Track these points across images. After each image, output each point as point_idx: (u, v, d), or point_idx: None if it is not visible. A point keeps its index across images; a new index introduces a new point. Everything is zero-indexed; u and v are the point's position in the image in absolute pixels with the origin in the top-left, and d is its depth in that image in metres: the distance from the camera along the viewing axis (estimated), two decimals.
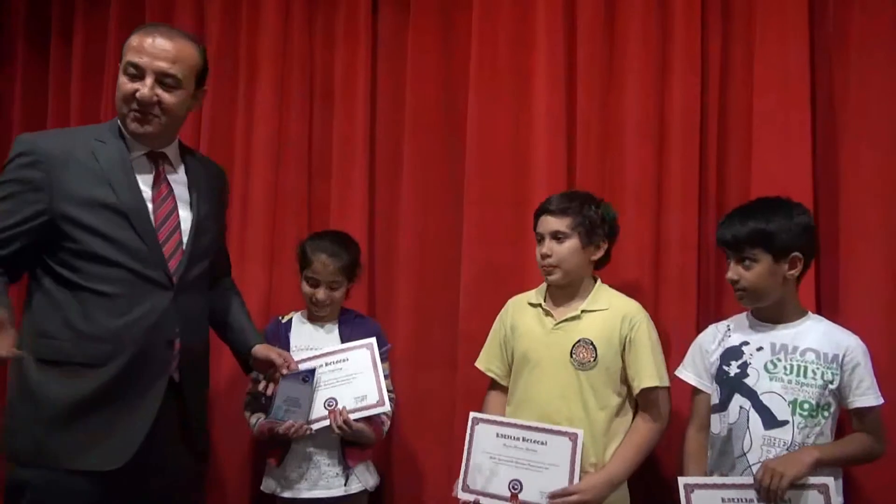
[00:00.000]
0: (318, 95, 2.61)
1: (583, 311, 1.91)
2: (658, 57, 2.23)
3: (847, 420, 1.75)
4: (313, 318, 2.20)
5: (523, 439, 1.78)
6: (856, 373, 1.68)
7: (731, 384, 1.74)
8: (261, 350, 1.88)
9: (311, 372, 1.93)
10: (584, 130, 2.29)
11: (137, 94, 1.61)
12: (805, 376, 1.68)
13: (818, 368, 1.68)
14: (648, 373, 1.85)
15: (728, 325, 1.84)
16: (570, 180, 2.30)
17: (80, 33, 2.86)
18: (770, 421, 1.68)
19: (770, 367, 1.71)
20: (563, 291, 1.95)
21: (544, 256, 1.91)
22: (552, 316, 1.93)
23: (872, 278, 2.00)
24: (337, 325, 2.19)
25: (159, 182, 1.67)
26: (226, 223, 2.01)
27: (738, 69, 2.20)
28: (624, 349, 1.88)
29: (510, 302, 2.06)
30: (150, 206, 1.64)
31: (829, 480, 1.54)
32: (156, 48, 1.62)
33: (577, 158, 2.30)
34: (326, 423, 1.96)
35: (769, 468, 1.55)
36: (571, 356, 1.87)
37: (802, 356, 1.70)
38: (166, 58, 1.62)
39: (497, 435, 1.80)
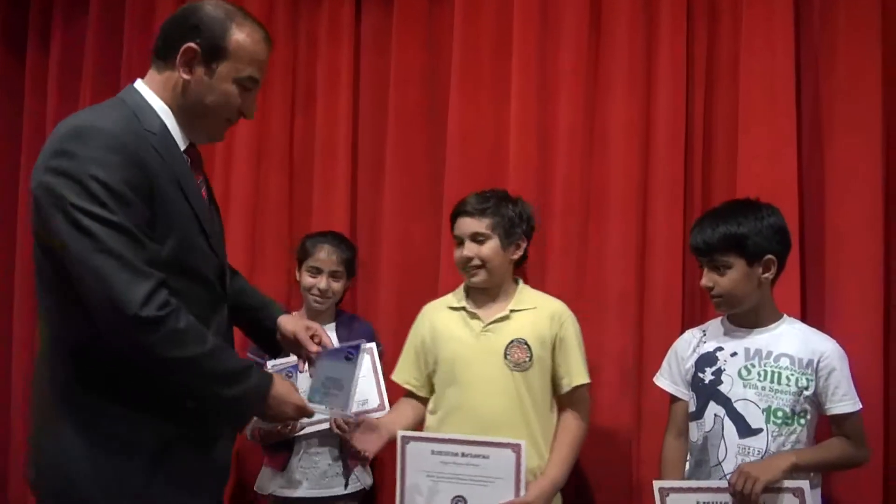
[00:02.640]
0: (300, 96, 2.58)
1: (512, 311, 1.88)
2: (643, 61, 2.22)
3: (828, 426, 1.73)
4: (310, 318, 2.17)
5: (462, 454, 1.70)
6: (832, 378, 1.65)
7: (707, 391, 1.72)
8: (287, 323, 1.58)
9: (357, 348, 1.56)
10: (569, 135, 2.27)
11: (247, 113, 1.42)
12: (779, 383, 1.66)
13: (792, 374, 1.66)
14: (579, 370, 1.86)
15: (703, 331, 1.82)
16: (553, 185, 2.28)
17: (57, 38, 2.81)
18: (744, 429, 1.65)
19: (744, 373, 1.69)
20: (487, 293, 1.92)
21: (467, 259, 1.87)
22: (479, 318, 1.90)
23: (858, 282, 1.98)
24: (334, 326, 2.19)
25: (201, 183, 1.45)
26: None
27: (723, 74, 2.19)
28: (554, 348, 1.87)
29: (426, 309, 2.01)
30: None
31: (804, 484, 1.52)
32: (267, 62, 1.43)
33: (562, 163, 2.28)
34: (326, 426, 1.98)
35: (743, 472, 1.53)
36: (506, 357, 1.84)
37: (776, 362, 1.68)
38: (266, 71, 1.45)
39: (432, 452, 1.71)
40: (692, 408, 1.75)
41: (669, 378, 1.83)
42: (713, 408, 1.69)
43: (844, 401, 1.65)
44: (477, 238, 1.86)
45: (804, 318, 1.96)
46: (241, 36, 1.37)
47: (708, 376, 1.72)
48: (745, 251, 1.65)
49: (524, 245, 1.92)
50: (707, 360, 1.74)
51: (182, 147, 1.39)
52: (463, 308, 1.91)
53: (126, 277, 1.21)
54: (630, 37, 2.22)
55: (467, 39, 2.36)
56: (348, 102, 2.49)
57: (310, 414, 1.46)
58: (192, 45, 1.35)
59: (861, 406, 1.66)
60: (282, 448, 2.06)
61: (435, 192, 2.40)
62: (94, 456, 1.28)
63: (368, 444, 1.74)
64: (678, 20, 2.19)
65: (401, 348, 2.32)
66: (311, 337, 1.55)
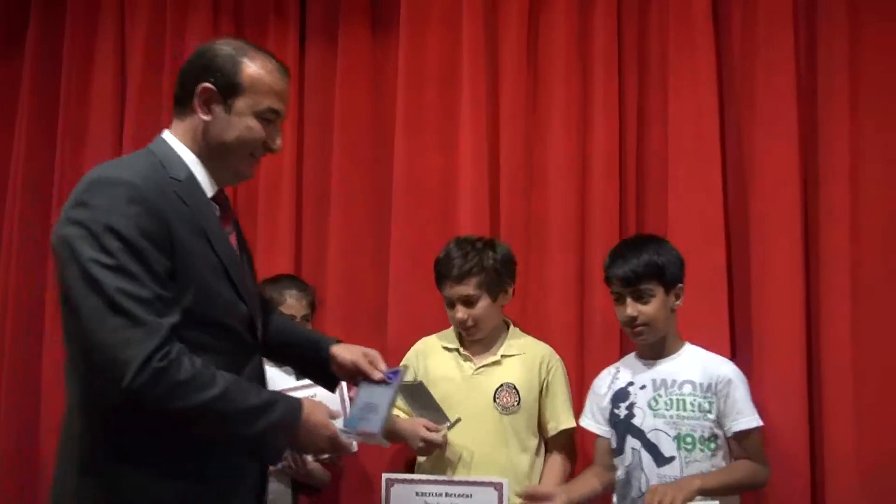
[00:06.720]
0: None
1: (503, 356, 1.95)
2: (578, 102, 2.34)
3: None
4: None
5: (446, 495, 1.73)
6: (730, 398, 1.73)
7: (623, 426, 1.79)
8: (342, 352, 1.53)
9: (395, 372, 1.52)
10: (509, 171, 2.37)
11: (274, 146, 1.40)
12: (684, 409, 1.74)
13: (695, 399, 1.74)
14: (566, 415, 1.94)
15: (617, 367, 1.90)
16: (496, 221, 2.36)
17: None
18: (659, 458, 1.73)
19: (653, 403, 1.77)
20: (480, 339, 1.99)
21: (462, 322, 1.92)
22: (472, 361, 1.96)
23: (784, 315, 2.07)
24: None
25: (230, 230, 1.44)
26: None
27: (653, 113, 2.32)
28: (541, 393, 1.94)
29: (422, 344, 2.07)
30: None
31: None
32: (288, 92, 1.43)
33: (503, 199, 2.36)
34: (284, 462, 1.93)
35: (658, 492, 1.58)
36: (495, 400, 1.90)
37: (680, 389, 1.76)
38: (288, 101, 1.44)
39: (417, 494, 1.75)
40: (613, 444, 1.82)
41: (591, 416, 1.90)
42: (630, 441, 1.77)
43: (742, 417, 1.72)
44: (468, 301, 1.90)
45: (733, 355, 2.05)
46: (253, 68, 1.36)
47: (622, 411, 1.80)
48: (664, 279, 1.75)
49: (511, 288, 1.98)
50: (621, 395, 1.82)
51: (210, 194, 1.38)
52: (457, 350, 1.97)
53: (128, 338, 1.18)
54: (566, 79, 2.34)
55: (411, 78, 2.43)
56: (292, 140, 2.51)
57: (345, 448, 1.42)
58: (206, 84, 1.35)
59: (761, 423, 1.75)
60: None
61: (382, 230, 2.44)
62: None
63: None
64: (610, 65, 2.32)
65: (349, 387, 2.31)
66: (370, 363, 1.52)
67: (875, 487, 1.92)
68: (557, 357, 1.99)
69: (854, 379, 1.97)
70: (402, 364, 1.68)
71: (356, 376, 1.52)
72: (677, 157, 2.20)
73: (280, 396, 1.35)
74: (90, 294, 1.20)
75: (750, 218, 2.17)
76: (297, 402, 1.34)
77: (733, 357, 2.06)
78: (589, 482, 1.84)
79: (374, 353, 1.53)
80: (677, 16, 2.24)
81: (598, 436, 1.87)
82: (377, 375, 1.48)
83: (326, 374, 1.57)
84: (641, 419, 1.75)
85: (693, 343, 1.85)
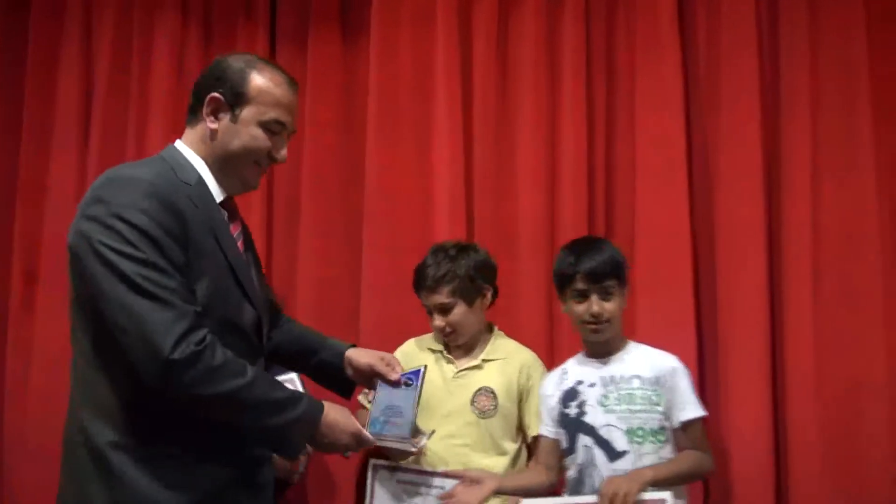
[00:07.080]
0: None
1: (483, 361, 1.98)
2: (548, 105, 2.36)
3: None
4: None
5: (425, 485, 1.81)
6: (676, 390, 1.78)
7: (574, 425, 1.82)
8: (358, 355, 1.59)
9: (416, 373, 1.57)
10: (482, 174, 2.38)
11: (278, 156, 1.44)
12: (635, 403, 1.77)
13: (644, 393, 1.78)
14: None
15: (564, 369, 1.92)
16: (470, 227, 2.37)
17: None
18: (612, 453, 1.75)
19: (604, 400, 1.79)
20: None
21: (440, 329, 1.96)
22: (454, 363, 1.99)
23: (749, 317, 2.11)
24: None
25: (238, 235, 1.47)
26: None
27: (621, 116, 2.34)
28: (520, 398, 1.95)
29: (411, 344, 2.09)
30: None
31: (666, 495, 1.60)
32: (295, 105, 1.47)
33: (475, 206, 2.37)
34: None
35: (614, 483, 1.61)
36: (472, 404, 1.92)
37: (629, 384, 1.79)
38: (295, 114, 1.49)
39: (398, 481, 1.84)
40: (565, 444, 1.84)
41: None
42: (582, 439, 1.79)
43: (688, 407, 1.77)
44: (443, 309, 1.93)
45: (699, 356, 2.10)
46: (261, 80, 1.42)
47: (573, 410, 1.82)
48: (620, 277, 1.80)
49: (489, 291, 2.00)
50: (570, 395, 1.84)
51: (218, 199, 1.42)
52: (441, 352, 2.00)
53: (160, 318, 1.22)
54: (535, 89, 2.35)
55: (383, 82, 2.43)
56: None
57: (368, 442, 1.45)
58: (215, 94, 1.41)
59: (705, 413, 1.79)
60: None
61: (353, 235, 2.44)
62: None
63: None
64: (578, 70, 2.34)
65: (321, 392, 2.31)
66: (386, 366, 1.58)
67: (838, 486, 1.96)
68: (540, 363, 2.01)
69: (816, 379, 2.01)
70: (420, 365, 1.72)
71: (372, 379, 1.57)
72: (644, 159, 2.23)
73: (304, 395, 1.40)
74: (116, 283, 1.23)
75: (715, 219, 2.20)
76: (320, 402, 1.39)
77: (699, 358, 2.10)
78: (529, 475, 1.87)
79: (391, 356, 1.61)
80: (644, 18, 2.27)
81: (542, 435, 1.89)
82: (394, 376, 1.54)
83: (342, 378, 1.61)
84: (593, 416, 1.78)
85: (659, 344, 1.87)
